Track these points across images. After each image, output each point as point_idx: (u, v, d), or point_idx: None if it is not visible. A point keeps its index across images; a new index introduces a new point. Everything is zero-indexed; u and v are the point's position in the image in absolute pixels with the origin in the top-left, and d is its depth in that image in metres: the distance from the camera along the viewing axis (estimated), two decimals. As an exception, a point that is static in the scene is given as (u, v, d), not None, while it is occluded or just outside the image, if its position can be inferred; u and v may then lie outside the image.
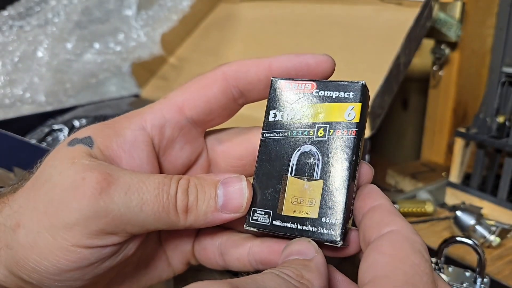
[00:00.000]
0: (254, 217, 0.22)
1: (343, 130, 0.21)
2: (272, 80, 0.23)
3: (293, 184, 0.21)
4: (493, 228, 0.42)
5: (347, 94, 0.21)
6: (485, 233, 0.42)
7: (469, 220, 0.42)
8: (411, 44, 0.47)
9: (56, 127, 0.51)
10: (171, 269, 0.26)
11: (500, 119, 0.47)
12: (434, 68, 0.59)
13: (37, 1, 0.44)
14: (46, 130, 0.51)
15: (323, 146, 0.21)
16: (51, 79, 0.43)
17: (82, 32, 0.46)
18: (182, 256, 0.26)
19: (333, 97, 0.22)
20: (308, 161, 0.21)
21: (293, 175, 0.21)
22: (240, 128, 0.25)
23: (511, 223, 0.44)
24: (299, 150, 0.22)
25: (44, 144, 0.49)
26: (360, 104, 0.21)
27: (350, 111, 0.21)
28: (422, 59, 0.63)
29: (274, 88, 0.23)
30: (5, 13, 0.45)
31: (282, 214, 0.21)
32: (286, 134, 0.22)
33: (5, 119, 0.51)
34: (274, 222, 0.21)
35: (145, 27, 0.49)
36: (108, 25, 0.47)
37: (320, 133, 0.21)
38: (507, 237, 0.42)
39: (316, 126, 0.22)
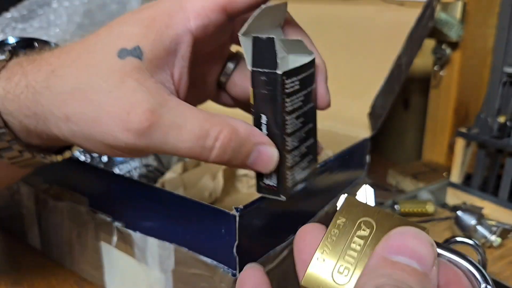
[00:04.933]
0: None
1: None
2: None
3: None
4: (494, 228, 0.42)
5: None
6: (486, 233, 0.42)
7: (470, 220, 0.42)
8: (412, 44, 0.47)
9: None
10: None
11: (501, 119, 0.47)
12: (435, 68, 0.59)
13: (40, 4, 0.44)
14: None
15: None
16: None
17: (85, 34, 0.46)
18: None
19: None
20: None
21: None
22: None
23: (512, 223, 0.44)
24: None
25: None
26: None
27: None
28: (423, 59, 0.63)
29: None
30: (8, 15, 0.45)
31: None
32: None
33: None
34: None
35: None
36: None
37: None
38: (508, 237, 0.43)
39: None
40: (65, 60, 0.24)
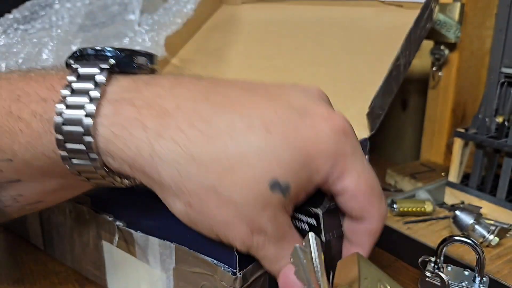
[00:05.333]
0: None
1: None
2: None
3: None
4: (492, 228, 0.42)
5: None
6: (484, 232, 0.42)
7: (468, 219, 0.43)
8: (411, 45, 0.47)
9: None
10: None
11: (499, 119, 0.47)
12: (434, 69, 0.59)
13: (43, 5, 0.45)
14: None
15: None
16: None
17: (87, 35, 0.46)
18: None
19: None
20: None
21: None
22: None
23: (510, 222, 0.45)
24: None
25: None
26: None
27: None
28: (421, 60, 0.64)
29: None
30: (10, 16, 0.45)
31: None
32: None
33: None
34: None
35: (150, 32, 0.49)
36: (113, 29, 0.48)
37: None
38: (506, 236, 0.43)
39: None
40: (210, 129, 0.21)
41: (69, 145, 0.22)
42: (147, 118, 0.21)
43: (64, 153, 0.23)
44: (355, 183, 0.23)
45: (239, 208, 0.22)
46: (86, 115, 0.22)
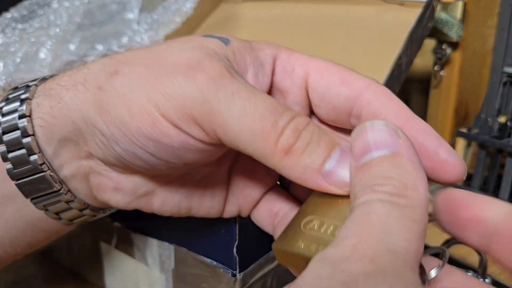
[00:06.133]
0: None
1: None
2: None
3: None
4: (495, 228, 0.42)
5: None
6: (487, 233, 0.42)
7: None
8: (413, 44, 0.47)
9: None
10: (221, 211, 0.25)
11: (502, 119, 0.47)
12: (435, 68, 0.59)
13: (41, 4, 0.44)
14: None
15: None
16: (54, 80, 0.44)
17: (85, 34, 0.46)
18: (240, 204, 0.25)
19: None
20: None
21: None
22: None
23: (513, 223, 0.44)
24: None
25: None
26: None
27: None
28: (423, 59, 0.63)
29: None
30: (8, 15, 0.45)
31: None
32: None
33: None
34: None
35: (149, 31, 0.49)
36: (111, 28, 0.48)
37: None
38: (508, 237, 0.42)
39: None
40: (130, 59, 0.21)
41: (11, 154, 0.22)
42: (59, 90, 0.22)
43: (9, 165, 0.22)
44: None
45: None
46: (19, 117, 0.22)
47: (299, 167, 0.18)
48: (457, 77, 0.58)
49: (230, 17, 0.63)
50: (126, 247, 0.34)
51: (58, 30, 0.44)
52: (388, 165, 0.16)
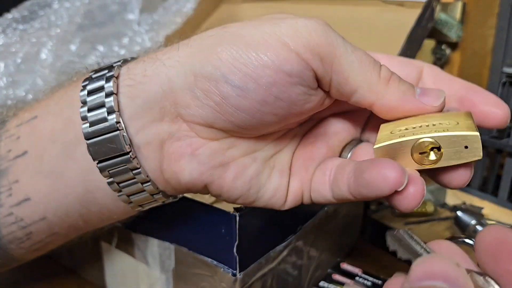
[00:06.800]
0: None
1: None
2: None
3: None
4: (494, 228, 0.42)
5: None
6: (486, 233, 0.42)
7: (470, 220, 0.42)
8: (412, 44, 0.47)
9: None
10: (285, 193, 0.25)
11: (501, 119, 0.47)
12: (435, 68, 0.59)
13: (42, 5, 0.45)
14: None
15: None
16: (54, 81, 0.44)
17: (86, 35, 0.46)
18: (302, 178, 0.25)
19: None
20: None
21: None
22: None
23: (512, 223, 0.44)
24: None
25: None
26: None
27: None
28: (423, 60, 0.63)
29: None
30: (9, 15, 0.45)
31: None
32: None
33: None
34: None
35: (150, 32, 0.49)
36: (112, 28, 0.48)
37: None
38: (507, 237, 0.43)
39: None
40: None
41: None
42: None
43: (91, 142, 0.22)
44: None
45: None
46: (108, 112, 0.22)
47: (399, 92, 0.22)
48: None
49: (230, 18, 0.63)
50: (127, 246, 0.34)
51: (58, 30, 0.44)
52: None
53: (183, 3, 0.53)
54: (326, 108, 0.25)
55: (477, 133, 0.20)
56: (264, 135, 0.24)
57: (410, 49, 0.47)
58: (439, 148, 0.21)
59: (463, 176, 0.22)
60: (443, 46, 0.57)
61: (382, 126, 0.24)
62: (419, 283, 0.16)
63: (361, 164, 0.22)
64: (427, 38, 0.55)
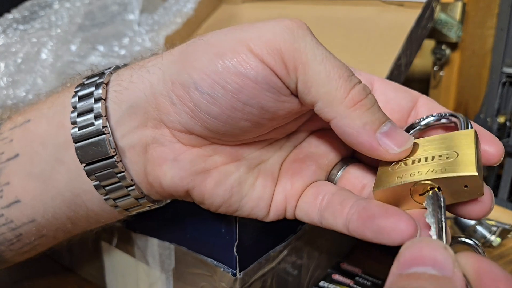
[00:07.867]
0: None
1: None
2: None
3: None
4: (494, 228, 0.42)
5: None
6: (486, 233, 0.42)
7: (470, 220, 0.42)
8: (412, 45, 0.47)
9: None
10: (268, 205, 0.25)
11: (501, 119, 0.47)
12: (435, 68, 0.59)
13: (42, 5, 0.45)
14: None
15: None
16: (55, 81, 0.44)
17: (86, 35, 0.46)
18: (287, 193, 0.25)
19: None
20: None
21: None
22: None
23: (512, 223, 0.44)
24: None
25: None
26: None
27: None
28: (423, 60, 0.63)
29: None
30: (10, 16, 0.45)
31: None
32: None
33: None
34: None
35: (150, 32, 0.49)
36: (112, 29, 0.48)
37: None
38: (507, 237, 0.43)
39: None
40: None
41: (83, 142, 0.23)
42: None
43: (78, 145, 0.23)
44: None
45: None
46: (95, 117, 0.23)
47: (361, 121, 0.21)
48: (456, 78, 0.58)
49: (230, 18, 0.63)
50: (127, 246, 0.34)
51: (59, 30, 0.44)
52: (433, 284, 0.15)
53: (183, 4, 0.53)
54: (315, 121, 0.25)
55: (476, 173, 0.19)
56: (248, 143, 0.24)
57: (410, 49, 0.47)
58: (439, 188, 0.20)
59: (481, 209, 0.21)
60: (443, 46, 0.57)
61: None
62: (408, 269, 0.16)
63: (370, 207, 0.21)
64: (427, 38, 0.55)
